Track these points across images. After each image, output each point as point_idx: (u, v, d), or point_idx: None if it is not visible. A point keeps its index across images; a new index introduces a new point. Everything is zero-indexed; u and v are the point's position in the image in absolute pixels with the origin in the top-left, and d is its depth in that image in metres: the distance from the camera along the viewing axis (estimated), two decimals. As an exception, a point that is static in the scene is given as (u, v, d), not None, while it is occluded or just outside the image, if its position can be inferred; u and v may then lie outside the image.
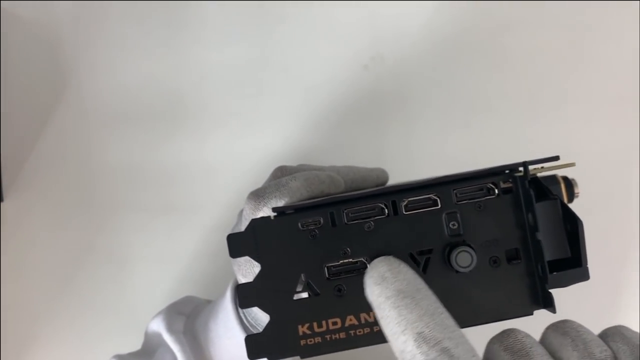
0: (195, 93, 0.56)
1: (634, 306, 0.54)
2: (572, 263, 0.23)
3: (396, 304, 0.21)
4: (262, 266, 0.24)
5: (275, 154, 0.55)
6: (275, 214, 0.24)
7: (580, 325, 0.23)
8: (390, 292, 0.21)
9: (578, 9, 0.56)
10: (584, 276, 0.23)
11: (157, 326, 0.40)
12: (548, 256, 0.23)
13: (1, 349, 0.52)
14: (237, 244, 0.25)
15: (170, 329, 0.39)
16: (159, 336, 0.40)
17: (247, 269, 0.31)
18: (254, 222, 0.25)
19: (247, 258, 0.30)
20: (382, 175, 0.38)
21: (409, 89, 0.56)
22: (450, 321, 0.21)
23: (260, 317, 0.35)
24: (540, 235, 0.23)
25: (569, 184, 0.26)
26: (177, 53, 0.56)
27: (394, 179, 0.41)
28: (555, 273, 0.23)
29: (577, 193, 0.26)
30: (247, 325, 0.35)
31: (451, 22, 0.56)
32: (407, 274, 0.22)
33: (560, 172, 0.26)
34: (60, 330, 0.53)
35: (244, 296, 0.24)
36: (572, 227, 0.24)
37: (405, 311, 0.20)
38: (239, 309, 0.36)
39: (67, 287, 0.53)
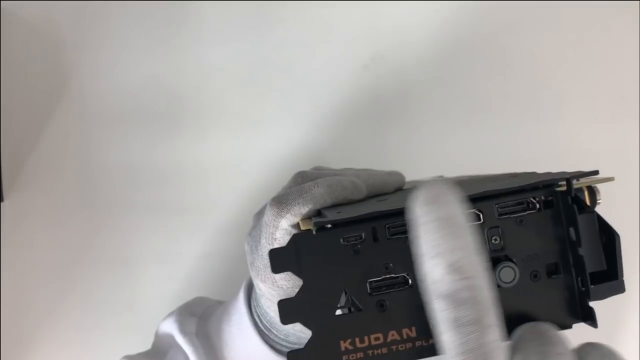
0: (195, 93, 0.56)
1: (634, 306, 0.54)
2: (608, 276, 0.24)
3: (442, 226, 0.20)
4: (304, 281, 0.24)
5: (275, 154, 0.55)
6: (316, 228, 0.24)
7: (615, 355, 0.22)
8: (441, 214, 0.20)
9: (578, 9, 0.56)
10: (620, 289, 0.23)
11: (169, 327, 0.40)
12: (588, 270, 0.23)
13: (1, 349, 0.52)
14: (279, 259, 0.25)
15: (183, 330, 0.39)
16: (171, 337, 0.40)
17: (266, 275, 0.31)
18: (296, 237, 0.25)
19: (265, 264, 0.30)
20: (401, 179, 0.37)
21: (409, 89, 0.56)
22: (485, 267, 0.20)
23: (275, 321, 0.34)
24: (582, 250, 0.23)
25: (592, 192, 0.26)
26: (177, 53, 0.56)
27: (394, 179, 0.41)
28: (592, 286, 0.23)
29: (600, 201, 0.26)
30: (262, 327, 0.35)
31: (451, 22, 0.56)
32: (460, 205, 0.21)
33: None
34: (60, 331, 0.53)
35: (286, 312, 0.24)
36: (608, 240, 0.24)
37: (449, 237, 0.19)
38: (254, 311, 0.35)
39: (67, 287, 0.53)
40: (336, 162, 0.53)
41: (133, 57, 0.56)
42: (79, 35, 0.56)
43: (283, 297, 0.30)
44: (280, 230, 0.29)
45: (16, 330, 0.52)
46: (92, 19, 0.56)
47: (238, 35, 0.56)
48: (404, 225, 0.24)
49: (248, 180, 0.54)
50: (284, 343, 0.35)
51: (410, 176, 0.40)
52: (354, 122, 0.55)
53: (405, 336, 0.23)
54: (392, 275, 0.24)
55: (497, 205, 0.24)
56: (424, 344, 0.23)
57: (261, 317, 0.35)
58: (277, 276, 0.30)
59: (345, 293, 0.24)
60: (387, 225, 0.24)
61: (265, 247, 0.30)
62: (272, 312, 0.33)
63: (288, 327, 0.33)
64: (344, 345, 0.23)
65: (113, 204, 0.54)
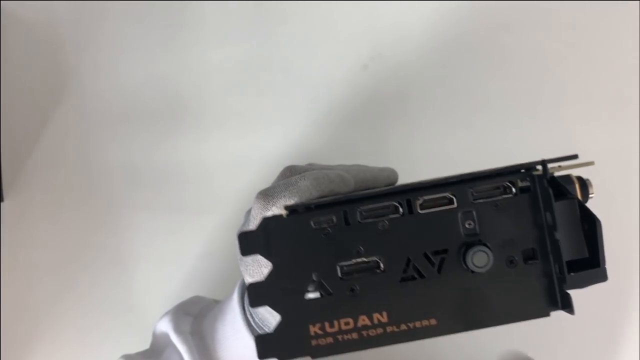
0: (195, 93, 0.56)
1: (633, 306, 0.54)
2: (589, 264, 0.23)
3: None
4: (273, 265, 0.24)
5: (275, 153, 0.55)
6: (287, 212, 0.24)
7: None
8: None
9: (578, 9, 0.56)
10: (602, 277, 0.23)
11: (165, 326, 0.40)
12: (566, 256, 0.23)
13: (1, 349, 0.52)
14: (249, 242, 0.24)
15: (178, 329, 0.39)
16: (166, 336, 0.40)
17: (255, 270, 0.31)
18: (266, 221, 0.24)
19: (254, 258, 0.30)
20: (393, 175, 0.37)
21: (409, 89, 0.56)
22: None
23: (267, 319, 0.34)
24: (558, 235, 0.23)
25: (584, 184, 0.26)
26: (177, 53, 0.56)
27: (394, 179, 0.41)
28: (573, 274, 0.23)
29: (592, 194, 0.26)
30: (255, 326, 0.35)
31: (451, 22, 0.56)
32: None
33: (574, 172, 0.26)
34: (60, 331, 0.53)
35: (255, 295, 0.24)
36: (589, 227, 0.23)
37: None
38: (247, 311, 0.35)
39: (67, 287, 0.53)
40: (336, 161, 0.53)
41: (133, 57, 0.56)
42: (78, 36, 0.56)
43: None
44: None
45: (16, 330, 0.52)
46: (92, 19, 0.56)
47: (238, 35, 0.56)
48: (377, 209, 0.24)
49: (248, 179, 0.54)
50: None
51: (409, 176, 0.40)
52: (354, 121, 0.55)
53: (376, 321, 0.23)
54: (364, 259, 0.23)
55: (471, 190, 0.24)
56: (396, 329, 0.23)
57: (254, 316, 0.35)
58: (265, 272, 0.30)
59: (316, 277, 0.23)
60: (359, 209, 0.24)
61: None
62: (262, 309, 0.33)
63: None
64: (314, 329, 0.23)
65: (113, 204, 0.54)
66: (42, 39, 0.56)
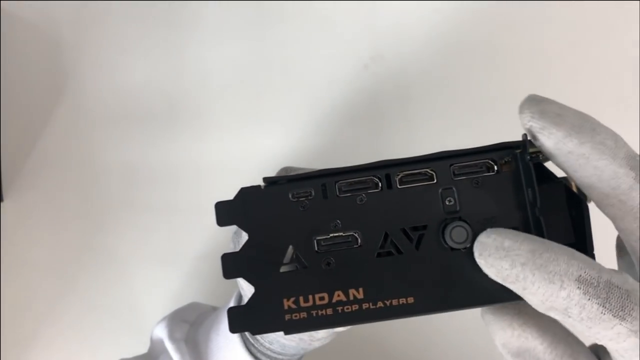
0: (195, 93, 0.56)
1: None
2: (577, 249, 0.22)
3: (538, 264, 0.19)
4: (249, 236, 0.23)
5: (275, 153, 0.55)
6: (265, 183, 0.24)
7: None
8: (523, 258, 0.19)
9: (578, 9, 0.56)
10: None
11: (161, 332, 0.40)
12: (551, 239, 0.21)
13: (1, 349, 0.52)
14: (225, 212, 0.24)
15: (172, 336, 0.39)
16: (161, 342, 0.40)
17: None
18: (244, 190, 0.24)
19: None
20: None
21: (409, 89, 0.56)
22: (586, 256, 0.20)
23: None
24: (539, 212, 0.22)
25: None
26: (177, 53, 0.56)
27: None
28: None
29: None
30: (248, 335, 0.35)
31: (451, 22, 0.56)
32: (522, 234, 0.20)
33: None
34: (60, 331, 0.53)
35: (228, 266, 0.23)
36: (577, 213, 0.23)
37: (551, 266, 0.19)
38: None
39: (67, 287, 0.53)
40: (336, 161, 0.53)
41: (133, 57, 0.56)
42: (78, 36, 0.56)
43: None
44: None
45: (16, 330, 0.52)
46: (92, 19, 0.56)
47: (237, 35, 0.56)
48: (356, 183, 0.23)
49: (248, 179, 0.53)
50: (269, 352, 0.35)
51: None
52: (354, 121, 0.55)
53: (352, 297, 0.22)
54: (341, 234, 0.23)
55: (452, 166, 0.23)
56: (372, 306, 0.22)
57: None
58: None
59: (292, 250, 0.23)
60: (337, 183, 0.23)
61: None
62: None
63: (272, 335, 0.33)
64: (287, 303, 0.22)
65: (113, 204, 0.54)
66: (42, 39, 0.56)
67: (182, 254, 0.54)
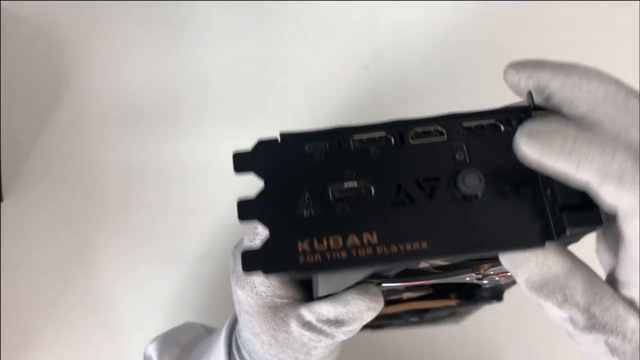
0: (195, 93, 0.56)
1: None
2: (582, 208, 0.22)
3: (589, 138, 0.20)
4: (265, 182, 0.24)
5: (275, 154, 0.55)
6: (282, 137, 0.24)
7: None
8: (573, 135, 0.20)
9: (578, 9, 0.56)
10: (597, 220, 0.22)
11: (152, 352, 0.40)
12: (559, 198, 0.22)
13: (1, 349, 0.52)
14: (242, 161, 0.25)
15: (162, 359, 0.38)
16: None
17: (246, 280, 0.30)
18: (260, 142, 0.25)
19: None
20: None
21: (409, 89, 0.56)
22: None
23: (254, 350, 0.32)
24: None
25: None
26: (177, 53, 0.56)
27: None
28: (566, 212, 0.22)
29: None
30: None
31: (451, 22, 0.56)
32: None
33: None
34: (60, 331, 0.53)
35: (244, 209, 0.24)
36: None
37: (599, 139, 0.20)
38: (232, 353, 0.34)
39: (67, 287, 0.53)
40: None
41: (133, 57, 0.56)
42: (78, 35, 0.56)
43: (261, 304, 0.29)
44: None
45: (16, 330, 0.52)
46: (92, 19, 0.56)
47: (238, 35, 0.56)
48: (369, 140, 0.24)
49: (248, 179, 0.54)
50: None
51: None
52: (354, 121, 0.55)
53: (365, 241, 0.22)
54: (355, 184, 0.23)
55: (462, 125, 0.25)
56: (386, 250, 0.22)
57: (240, 348, 0.33)
58: (257, 281, 0.29)
59: (306, 196, 0.23)
60: (352, 138, 0.24)
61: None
62: (249, 334, 0.31)
63: (267, 356, 0.32)
64: (302, 246, 0.22)
65: (113, 203, 0.54)
66: (42, 39, 0.56)
67: (181, 254, 0.54)
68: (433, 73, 0.56)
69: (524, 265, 0.22)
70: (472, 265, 0.29)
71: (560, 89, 0.22)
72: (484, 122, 0.25)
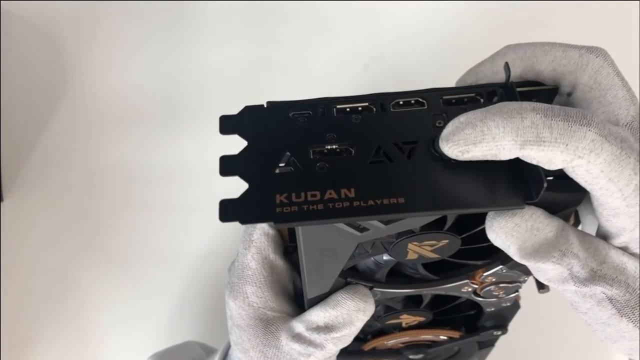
0: (195, 93, 0.56)
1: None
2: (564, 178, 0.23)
3: (493, 111, 0.21)
4: (248, 143, 0.24)
5: (275, 154, 0.55)
6: (268, 104, 0.25)
7: None
8: (479, 115, 0.21)
9: (578, 9, 0.56)
10: (580, 188, 0.22)
11: None
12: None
13: (1, 349, 0.52)
14: (229, 123, 0.26)
15: None
16: None
17: (238, 290, 0.29)
18: (248, 107, 0.26)
19: (240, 275, 0.29)
20: None
21: (409, 89, 0.56)
22: None
23: None
24: None
25: None
26: (176, 53, 0.56)
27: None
28: (549, 178, 0.22)
29: None
30: None
31: (451, 22, 0.56)
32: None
33: None
34: (60, 331, 0.52)
35: (226, 165, 0.24)
36: None
37: (505, 107, 0.21)
38: None
39: (67, 287, 0.53)
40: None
41: (133, 57, 0.56)
42: (79, 36, 0.56)
43: (252, 316, 0.29)
44: (258, 230, 0.29)
45: (16, 330, 0.52)
46: (92, 18, 0.56)
47: (238, 35, 0.56)
48: (352, 109, 0.25)
49: (248, 180, 0.54)
50: None
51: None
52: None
53: (343, 195, 0.23)
54: (336, 145, 0.24)
55: (441, 97, 0.25)
56: (362, 204, 0.22)
57: None
58: (249, 291, 0.29)
59: (287, 155, 0.24)
60: (335, 107, 0.25)
61: (242, 254, 0.29)
62: (239, 351, 0.30)
63: None
64: (279, 198, 0.23)
65: (113, 204, 0.54)
66: (42, 39, 0.56)
67: (182, 254, 0.54)
68: (433, 72, 0.56)
69: (515, 233, 0.22)
70: (466, 272, 0.29)
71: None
72: (465, 95, 0.25)
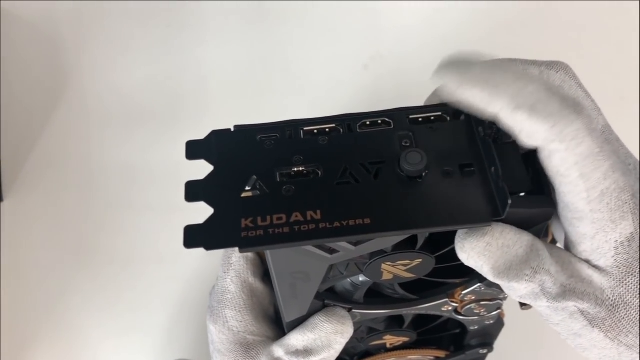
0: (195, 93, 0.56)
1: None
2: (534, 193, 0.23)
3: (503, 68, 0.21)
4: (215, 167, 0.25)
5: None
6: (235, 129, 0.25)
7: None
8: (489, 65, 0.22)
9: (578, 9, 0.56)
10: (549, 203, 0.22)
11: None
12: (501, 173, 0.22)
13: (1, 349, 0.52)
14: (195, 149, 0.26)
15: None
16: None
17: (218, 314, 0.30)
18: (214, 131, 0.26)
19: (219, 299, 0.29)
20: None
21: (409, 89, 0.56)
22: None
23: None
24: (490, 140, 0.23)
25: None
26: (177, 53, 0.56)
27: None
28: (518, 195, 0.22)
29: None
30: None
31: (451, 22, 0.56)
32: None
33: None
34: (60, 331, 0.52)
35: (192, 190, 0.25)
36: (532, 158, 0.23)
37: (513, 66, 0.22)
38: None
39: (67, 287, 0.53)
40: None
41: (133, 57, 0.56)
42: (79, 35, 0.56)
43: (232, 341, 0.28)
44: (237, 254, 0.29)
45: (16, 330, 0.52)
46: (92, 18, 0.56)
47: (238, 35, 0.56)
48: (320, 131, 0.25)
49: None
50: None
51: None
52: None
53: (309, 218, 0.22)
54: (302, 168, 0.24)
55: (408, 116, 0.25)
56: (328, 225, 0.22)
57: None
58: (229, 315, 0.29)
59: (254, 179, 0.24)
60: (302, 129, 0.25)
61: (222, 278, 0.29)
62: None
63: None
64: (245, 222, 0.22)
65: (113, 203, 0.54)
66: (42, 39, 0.56)
67: (182, 254, 0.54)
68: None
69: (487, 253, 0.22)
70: (445, 291, 0.29)
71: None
72: (431, 114, 0.25)
